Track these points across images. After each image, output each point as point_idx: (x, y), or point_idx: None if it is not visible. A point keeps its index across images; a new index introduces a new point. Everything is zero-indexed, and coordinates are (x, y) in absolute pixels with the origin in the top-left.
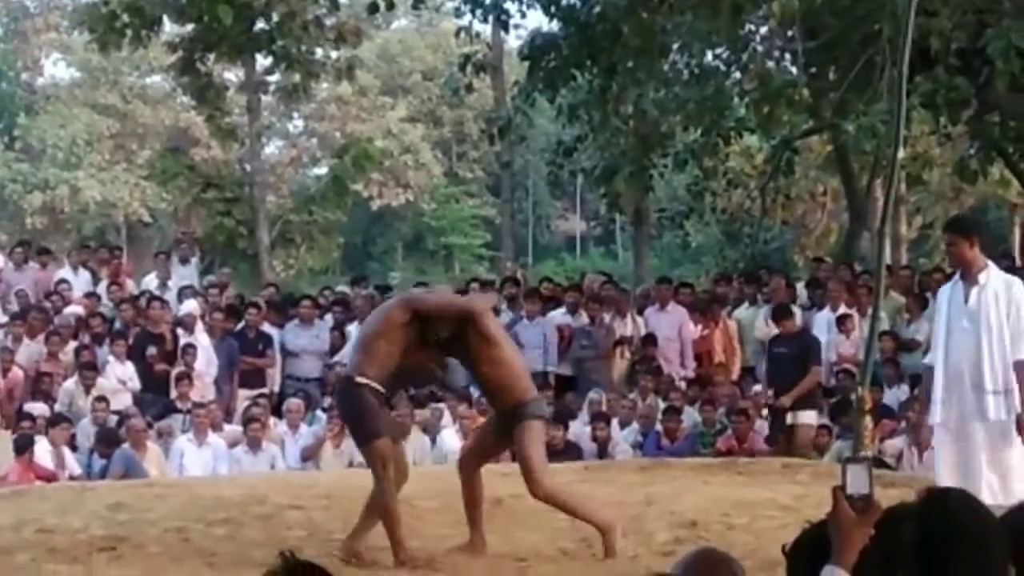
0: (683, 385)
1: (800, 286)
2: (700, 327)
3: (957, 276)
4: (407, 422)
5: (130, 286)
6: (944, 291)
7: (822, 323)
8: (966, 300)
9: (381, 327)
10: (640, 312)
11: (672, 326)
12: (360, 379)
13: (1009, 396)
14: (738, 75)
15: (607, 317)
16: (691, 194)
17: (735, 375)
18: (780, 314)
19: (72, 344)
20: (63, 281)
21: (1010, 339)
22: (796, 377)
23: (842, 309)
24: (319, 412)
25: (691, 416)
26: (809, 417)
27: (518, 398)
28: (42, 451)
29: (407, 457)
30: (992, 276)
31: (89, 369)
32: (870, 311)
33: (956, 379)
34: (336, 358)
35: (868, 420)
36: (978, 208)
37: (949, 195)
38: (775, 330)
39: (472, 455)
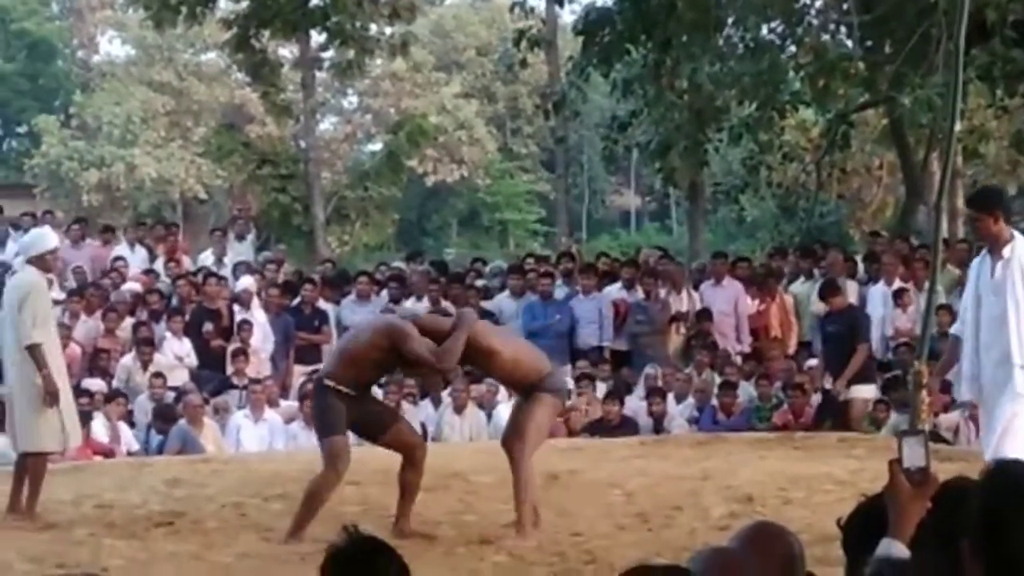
0: (739, 360)
1: (858, 259)
2: (756, 302)
3: (985, 250)
4: (463, 397)
5: (187, 263)
6: (974, 265)
7: (877, 297)
8: (992, 274)
9: (362, 350)
10: (696, 287)
11: (728, 301)
12: (328, 382)
13: (1016, 370)
14: (793, 49)
15: (663, 292)
16: (746, 168)
17: (791, 349)
18: (828, 291)
19: (129, 321)
20: (120, 258)
21: None
22: (849, 354)
23: (898, 283)
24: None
25: (747, 391)
26: (864, 391)
27: (533, 380)
28: (99, 427)
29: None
30: (1018, 248)
31: (146, 345)
32: (926, 285)
33: (983, 353)
34: None
35: (924, 394)
36: None
37: (1006, 168)
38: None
39: (508, 431)
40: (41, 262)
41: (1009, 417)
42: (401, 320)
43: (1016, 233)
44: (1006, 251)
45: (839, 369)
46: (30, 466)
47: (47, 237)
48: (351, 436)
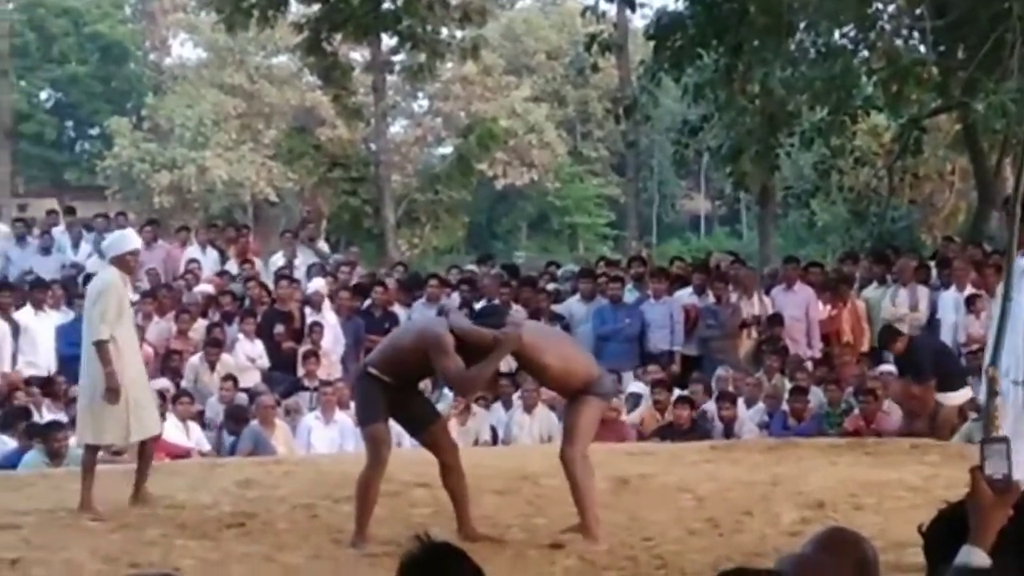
0: (810, 365)
1: (931, 265)
2: (828, 307)
3: None
4: (533, 397)
5: (258, 264)
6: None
7: (949, 303)
8: None
9: (404, 349)
10: (767, 292)
11: (799, 306)
12: (372, 370)
13: None
14: (866, 53)
15: (734, 297)
16: (817, 173)
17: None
18: (887, 338)
19: (201, 322)
20: (194, 260)
21: None
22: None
23: (969, 289)
24: (445, 390)
25: (817, 396)
26: (954, 398)
27: (581, 383)
28: (171, 427)
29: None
30: None
31: (214, 346)
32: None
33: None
34: None
35: (999, 400)
36: None
37: None
38: (900, 311)
39: (565, 440)
40: (122, 262)
41: None
42: (442, 331)
43: None
44: None
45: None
46: (83, 458)
47: (129, 238)
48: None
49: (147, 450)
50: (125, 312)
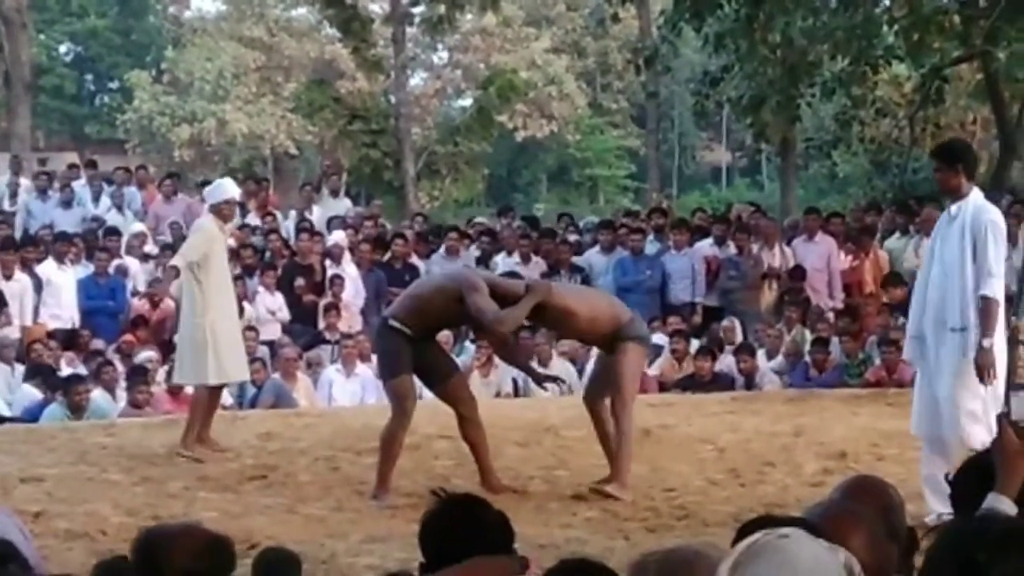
0: (831, 316)
1: None
2: (849, 258)
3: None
4: (545, 350)
5: (279, 217)
6: (941, 219)
7: None
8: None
9: (429, 294)
10: (788, 243)
11: (821, 257)
12: (393, 322)
13: (966, 334)
14: (887, 2)
15: (755, 248)
16: (839, 123)
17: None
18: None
19: None
20: None
21: (974, 272)
22: None
23: None
24: (467, 343)
25: (839, 347)
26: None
27: (612, 327)
28: None
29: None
30: (968, 206)
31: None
32: (1021, 240)
33: (927, 312)
34: None
35: (1022, 350)
36: None
37: None
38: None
39: (591, 388)
40: (218, 211)
41: (947, 397)
42: (475, 274)
43: (975, 192)
44: (953, 209)
45: None
46: (191, 397)
47: (225, 187)
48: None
49: (218, 397)
50: (214, 260)
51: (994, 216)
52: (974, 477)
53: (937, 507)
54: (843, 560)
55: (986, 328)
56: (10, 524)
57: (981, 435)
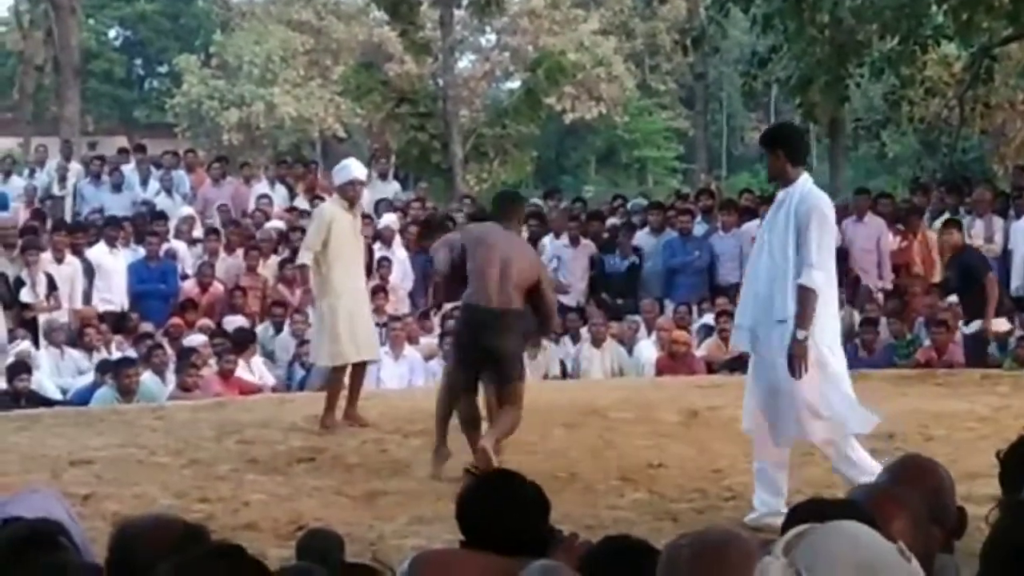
0: (880, 297)
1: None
2: (898, 238)
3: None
4: (601, 331)
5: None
6: (771, 207)
7: (1020, 233)
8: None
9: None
10: (837, 223)
11: (870, 237)
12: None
13: (782, 326)
14: None
15: None
16: (888, 103)
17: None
18: (946, 227)
19: (272, 258)
20: (264, 196)
21: (794, 261)
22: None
23: None
24: None
25: (888, 328)
26: (996, 324)
27: None
28: (240, 365)
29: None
30: (794, 192)
31: (285, 283)
32: None
33: (757, 303)
34: None
35: None
36: None
37: None
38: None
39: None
40: (342, 192)
41: (787, 391)
42: None
43: (804, 177)
44: (780, 194)
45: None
46: (326, 380)
47: (348, 168)
48: None
49: (360, 374)
50: (333, 243)
51: (818, 203)
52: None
53: (765, 496)
54: (896, 545)
55: (800, 319)
56: (58, 507)
57: (820, 430)
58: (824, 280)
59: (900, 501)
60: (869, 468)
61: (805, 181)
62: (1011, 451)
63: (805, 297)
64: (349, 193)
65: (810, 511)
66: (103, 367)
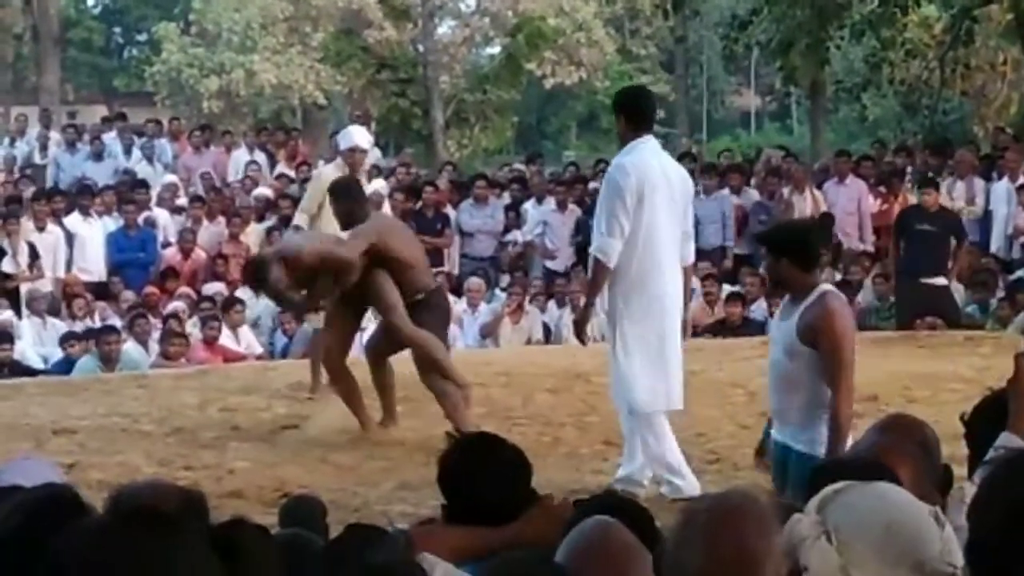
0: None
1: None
2: (879, 201)
3: None
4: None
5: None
6: None
7: (1001, 194)
8: None
9: None
10: (818, 186)
11: (851, 199)
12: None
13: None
14: None
15: (786, 192)
16: (868, 66)
17: None
18: (925, 185)
19: (255, 226)
20: (253, 162)
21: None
22: (941, 257)
23: (1021, 179)
24: (497, 290)
25: (870, 290)
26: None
27: None
28: (224, 333)
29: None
30: (618, 159)
31: None
32: None
33: None
34: (509, 237)
35: None
36: None
37: None
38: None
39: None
40: (344, 157)
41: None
42: None
43: (633, 143)
44: (616, 159)
45: (932, 269)
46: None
47: (349, 135)
48: None
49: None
50: (328, 209)
51: (614, 171)
52: (989, 417)
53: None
54: (928, 507)
55: (588, 288)
56: (54, 474)
57: (642, 397)
58: (615, 248)
59: (902, 451)
60: (661, 459)
61: (629, 147)
62: (975, 412)
63: (592, 267)
64: (350, 159)
65: (837, 471)
66: (65, 339)
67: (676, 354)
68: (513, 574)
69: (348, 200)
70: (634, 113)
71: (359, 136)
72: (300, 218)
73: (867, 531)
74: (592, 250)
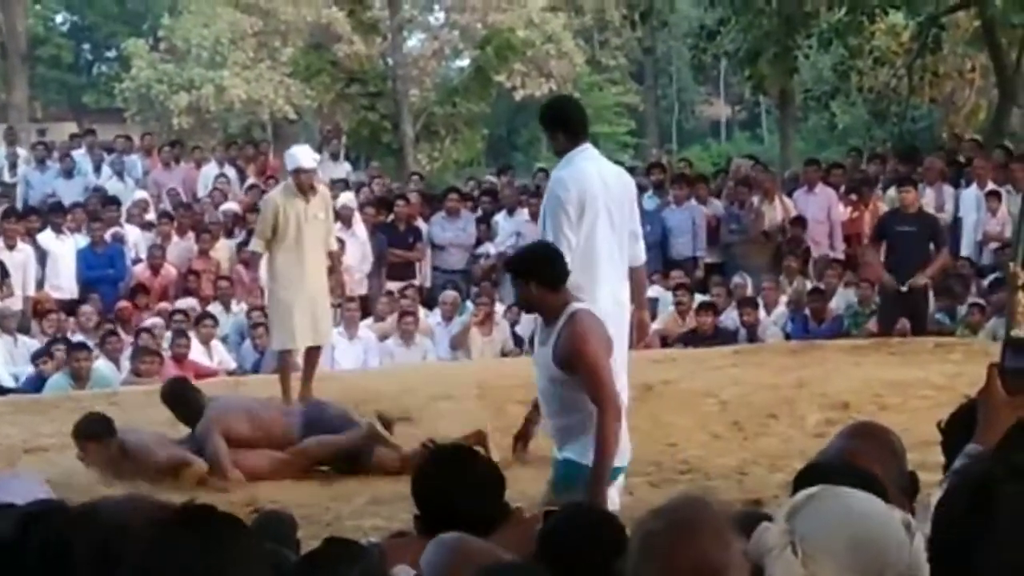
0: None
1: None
2: (849, 208)
3: None
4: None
5: None
6: None
7: (970, 201)
8: None
9: None
10: (788, 195)
11: (821, 207)
12: None
13: None
14: None
15: (755, 201)
16: (836, 74)
17: None
18: (905, 185)
19: (224, 242)
20: (222, 176)
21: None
22: (923, 258)
23: (990, 186)
24: (467, 303)
25: (845, 297)
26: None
27: None
28: (195, 348)
29: None
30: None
31: (243, 265)
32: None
33: None
34: (481, 249)
35: (1021, 296)
36: None
37: None
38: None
39: None
40: (294, 179)
41: None
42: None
43: (573, 152)
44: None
45: (911, 272)
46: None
47: (294, 156)
48: None
49: (311, 357)
50: (286, 230)
51: (555, 186)
52: (966, 424)
53: None
54: (900, 516)
55: None
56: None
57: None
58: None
59: (869, 457)
60: None
61: (570, 157)
62: (952, 420)
63: None
64: (296, 180)
65: (816, 476)
66: (37, 355)
67: (620, 364)
68: None
69: (180, 408)
70: (570, 124)
71: (303, 157)
72: (256, 244)
73: (833, 542)
74: None
